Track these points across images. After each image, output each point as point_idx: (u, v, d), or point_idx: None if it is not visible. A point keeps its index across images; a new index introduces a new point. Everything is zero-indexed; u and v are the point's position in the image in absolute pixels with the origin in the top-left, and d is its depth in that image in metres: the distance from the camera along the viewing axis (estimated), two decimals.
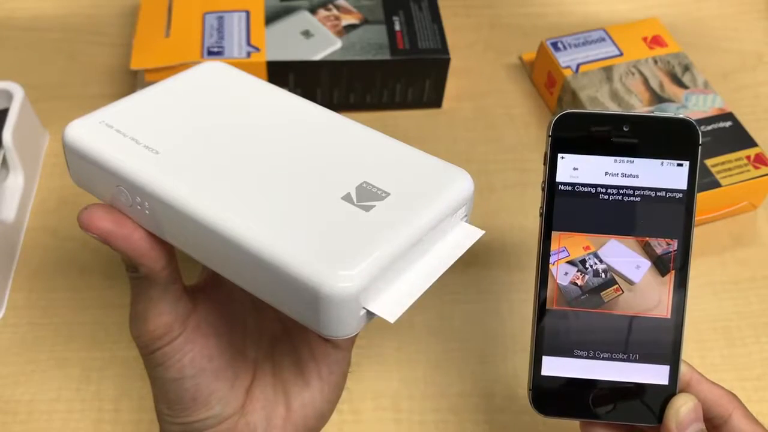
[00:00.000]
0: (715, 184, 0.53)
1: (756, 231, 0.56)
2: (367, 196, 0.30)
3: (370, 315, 0.29)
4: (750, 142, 0.55)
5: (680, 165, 0.36)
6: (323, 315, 0.28)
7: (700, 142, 0.35)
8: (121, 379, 0.47)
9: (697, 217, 0.54)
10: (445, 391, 0.47)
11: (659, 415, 0.35)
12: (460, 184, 0.32)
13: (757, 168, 0.54)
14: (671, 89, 0.59)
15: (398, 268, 0.30)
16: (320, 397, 0.37)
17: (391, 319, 0.28)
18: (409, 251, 0.30)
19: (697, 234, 0.56)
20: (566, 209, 0.36)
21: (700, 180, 0.53)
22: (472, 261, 0.53)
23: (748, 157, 0.55)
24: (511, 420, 0.46)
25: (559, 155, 0.36)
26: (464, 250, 0.32)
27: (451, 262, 0.32)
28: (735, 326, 0.51)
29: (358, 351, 0.48)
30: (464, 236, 0.33)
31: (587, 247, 0.36)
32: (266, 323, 0.39)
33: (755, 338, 0.50)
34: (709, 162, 0.54)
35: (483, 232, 0.33)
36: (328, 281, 0.27)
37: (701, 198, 0.53)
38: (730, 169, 0.54)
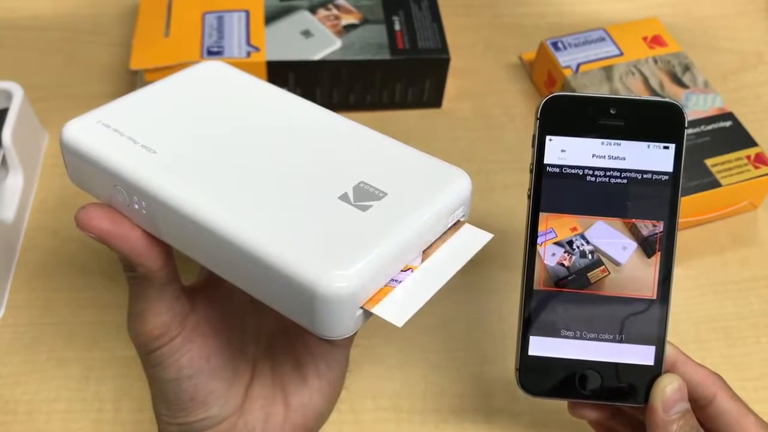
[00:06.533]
0: (715, 184, 0.53)
1: (756, 231, 0.56)
2: (364, 196, 0.30)
3: (366, 315, 0.29)
4: (750, 142, 0.55)
5: (666, 148, 0.36)
6: (319, 315, 0.28)
7: (686, 125, 0.36)
8: (121, 379, 0.47)
9: (697, 217, 0.54)
10: (445, 391, 0.47)
11: (645, 396, 0.36)
12: (458, 184, 0.32)
13: (757, 168, 0.54)
14: (671, 89, 0.59)
15: (396, 269, 0.30)
16: (319, 396, 0.37)
17: (399, 324, 0.28)
18: (406, 252, 0.30)
19: (697, 234, 0.56)
20: (554, 191, 0.36)
21: (701, 180, 0.53)
22: (472, 260, 0.53)
23: (748, 157, 0.54)
24: (511, 420, 0.46)
25: (547, 137, 0.36)
26: (472, 254, 0.32)
27: (459, 266, 0.31)
28: (735, 326, 0.51)
29: (358, 351, 0.48)
30: (471, 240, 0.33)
31: (574, 229, 0.36)
32: (265, 323, 0.39)
33: (755, 338, 0.50)
34: (709, 162, 0.54)
35: (491, 235, 0.33)
36: (323, 281, 0.27)
37: (701, 198, 0.53)
38: (730, 169, 0.54)
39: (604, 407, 0.38)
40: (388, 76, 0.60)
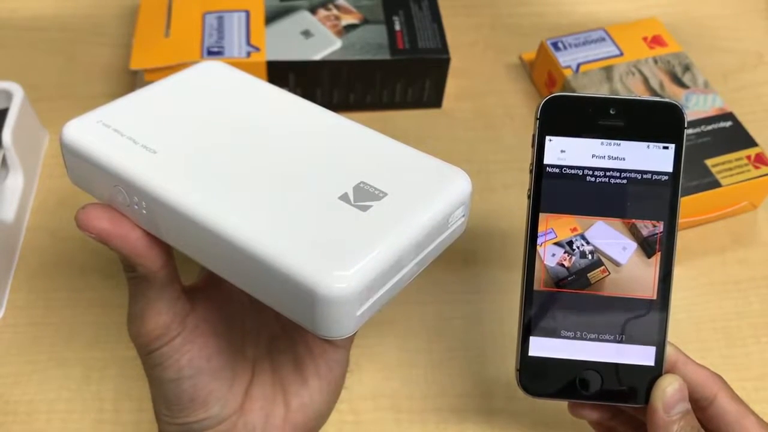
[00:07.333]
0: (715, 184, 0.53)
1: (756, 231, 0.56)
2: (364, 196, 0.30)
3: (366, 315, 0.29)
4: (750, 142, 0.55)
5: (666, 148, 0.36)
6: (319, 315, 0.28)
7: (686, 125, 0.36)
8: (121, 379, 0.47)
9: (697, 217, 0.54)
10: (446, 391, 0.47)
11: (645, 396, 0.36)
12: (458, 184, 0.32)
13: (757, 168, 0.54)
14: (671, 89, 0.59)
15: (397, 270, 0.30)
16: (319, 396, 0.37)
17: None
18: (407, 252, 0.30)
19: (697, 234, 0.56)
20: (554, 191, 0.36)
21: (701, 180, 0.53)
22: (472, 260, 0.53)
23: (748, 157, 0.54)
24: (511, 420, 0.46)
25: (547, 138, 0.36)
26: None
27: None
28: (735, 326, 0.51)
29: (358, 351, 0.48)
30: None
31: (574, 229, 0.37)
32: (265, 323, 0.39)
33: (755, 338, 0.50)
34: (709, 162, 0.54)
35: None
36: (324, 282, 0.27)
37: (701, 198, 0.53)
38: (730, 169, 0.54)
39: (604, 408, 0.38)
40: (388, 76, 0.60)
